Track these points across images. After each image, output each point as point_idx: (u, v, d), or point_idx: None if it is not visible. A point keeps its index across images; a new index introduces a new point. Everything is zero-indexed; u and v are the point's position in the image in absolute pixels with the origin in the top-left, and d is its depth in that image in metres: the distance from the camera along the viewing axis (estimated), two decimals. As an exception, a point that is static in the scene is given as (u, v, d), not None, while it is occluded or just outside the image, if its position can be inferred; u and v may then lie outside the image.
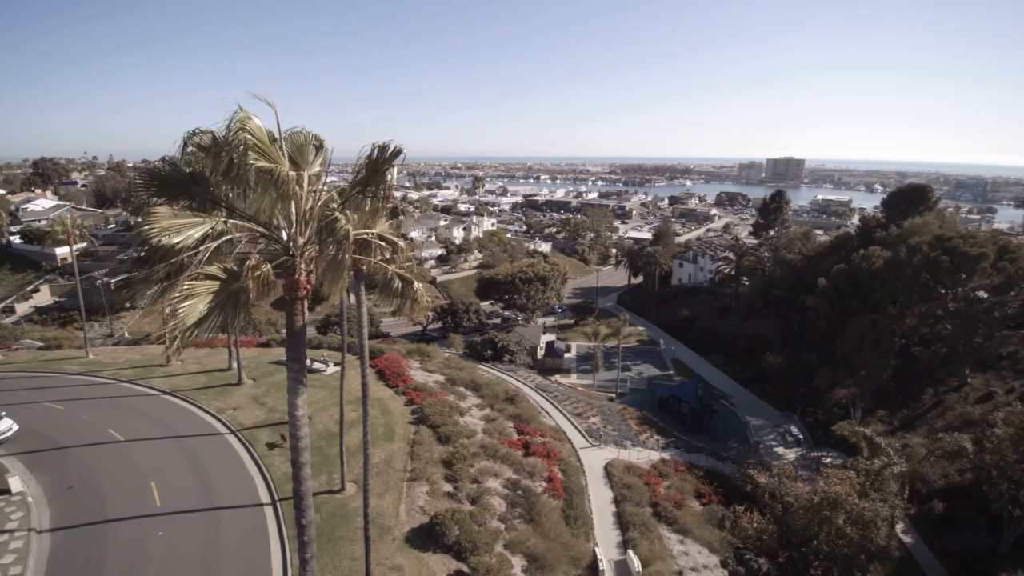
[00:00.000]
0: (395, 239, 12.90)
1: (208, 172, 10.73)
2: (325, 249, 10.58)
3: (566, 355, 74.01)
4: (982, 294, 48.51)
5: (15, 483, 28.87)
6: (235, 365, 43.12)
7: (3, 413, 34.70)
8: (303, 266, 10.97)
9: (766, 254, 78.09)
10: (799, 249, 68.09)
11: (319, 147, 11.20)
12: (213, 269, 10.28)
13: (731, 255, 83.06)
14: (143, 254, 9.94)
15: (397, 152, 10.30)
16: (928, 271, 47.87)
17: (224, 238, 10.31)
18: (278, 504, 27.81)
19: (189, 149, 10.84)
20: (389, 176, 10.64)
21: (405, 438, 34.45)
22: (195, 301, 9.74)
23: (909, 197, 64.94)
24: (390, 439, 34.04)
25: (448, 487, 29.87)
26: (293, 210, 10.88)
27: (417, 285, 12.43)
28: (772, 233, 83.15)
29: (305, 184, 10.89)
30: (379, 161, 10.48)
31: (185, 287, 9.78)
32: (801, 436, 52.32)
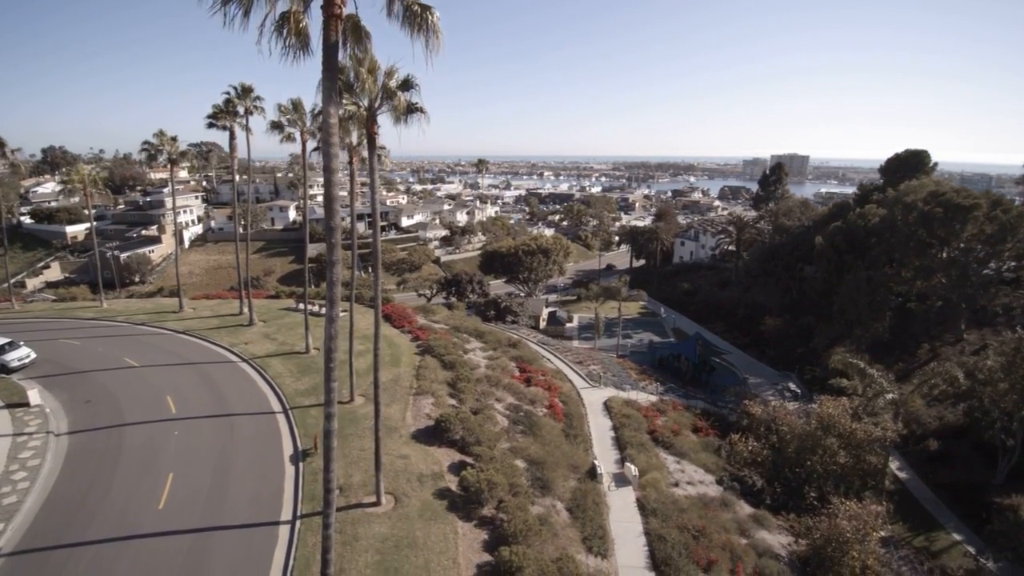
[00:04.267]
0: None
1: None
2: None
3: (568, 324, 74.85)
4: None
5: (33, 396, 30.02)
6: (246, 310, 44.32)
7: (21, 342, 35.94)
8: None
9: (766, 227, 78.89)
10: (798, 217, 68.96)
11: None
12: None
13: (732, 229, 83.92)
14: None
15: None
16: (923, 225, 48.68)
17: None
18: (290, 412, 28.96)
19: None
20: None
21: (411, 364, 35.57)
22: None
23: (906, 163, 65.79)
24: (397, 365, 35.16)
25: (452, 401, 30.95)
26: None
27: (435, 10, 12.87)
28: (772, 206, 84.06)
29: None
30: None
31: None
32: (799, 391, 53.08)
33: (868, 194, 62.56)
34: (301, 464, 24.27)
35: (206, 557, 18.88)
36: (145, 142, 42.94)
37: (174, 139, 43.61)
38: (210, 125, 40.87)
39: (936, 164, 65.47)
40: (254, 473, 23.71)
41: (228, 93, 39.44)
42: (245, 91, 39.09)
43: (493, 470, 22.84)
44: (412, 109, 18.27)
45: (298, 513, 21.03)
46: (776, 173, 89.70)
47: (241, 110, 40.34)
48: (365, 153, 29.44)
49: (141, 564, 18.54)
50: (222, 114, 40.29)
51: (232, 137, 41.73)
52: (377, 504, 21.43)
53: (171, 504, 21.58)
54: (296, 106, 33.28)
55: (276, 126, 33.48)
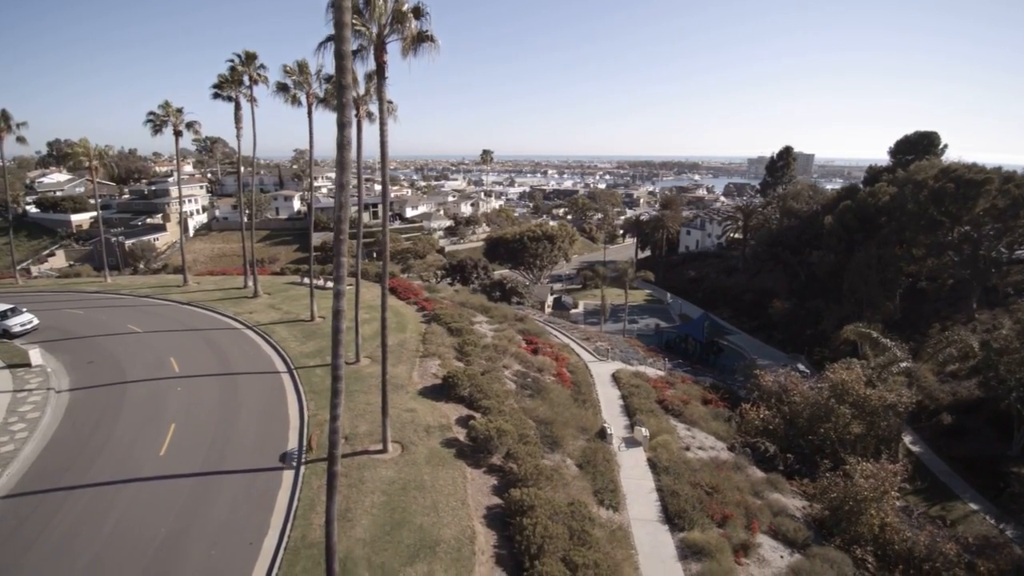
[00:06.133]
0: None
1: None
2: None
3: (573, 310, 74.45)
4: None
5: (35, 356, 29.63)
6: (251, 283, 43.96)
7: (23, 308, 35.61)
8: None
9: (773, 213, 77.96)
10: (807, 200, 68.22)
11: None
12: None
13: (739, 215, 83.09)
14: None
15: None
16: (934, 202, 47.95)
17: None
18: (295, 372, 28.50)
19: None
20: None
21: (417, 331, 35.08)
22: None
23: (916, 145, 64.86)
24: (402, 331, 34.68)
25: (459, 364, 30.40)
26: None
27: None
28: (779, 191, 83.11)
29: None
30: None
31: None
32: (808, 372, 52.43)
33: (878, 175, 61.83)
34: (306, 415, 23.82)
35: (208, 499, 18.44)
36: (150, 113, 42.61)
37: (179, 110, 43.28)
38: (215, 95, 40.51)
39: (946, 146, 64.58)
40: (258, 424, 23.27)
41: (232, 61, 39.11)
42: (249, 58, 38.76)
43: (503, 421, 22.32)
44: (423, 38, 17.81)
45: (303, 460, 20.56)
46: (784, 158, 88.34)
47: (246, 79, 39.98)
48: (372, 108, 29.10)
49: (139, 505, 18.11)
50: (227, 84, 39.95)
51: (237, 108, 41.33)
52: (383, 452, 20.94)
53: (173, 451, 21.15)
54: (302, 67, 32.86)
55: (282, 88, 33.08)
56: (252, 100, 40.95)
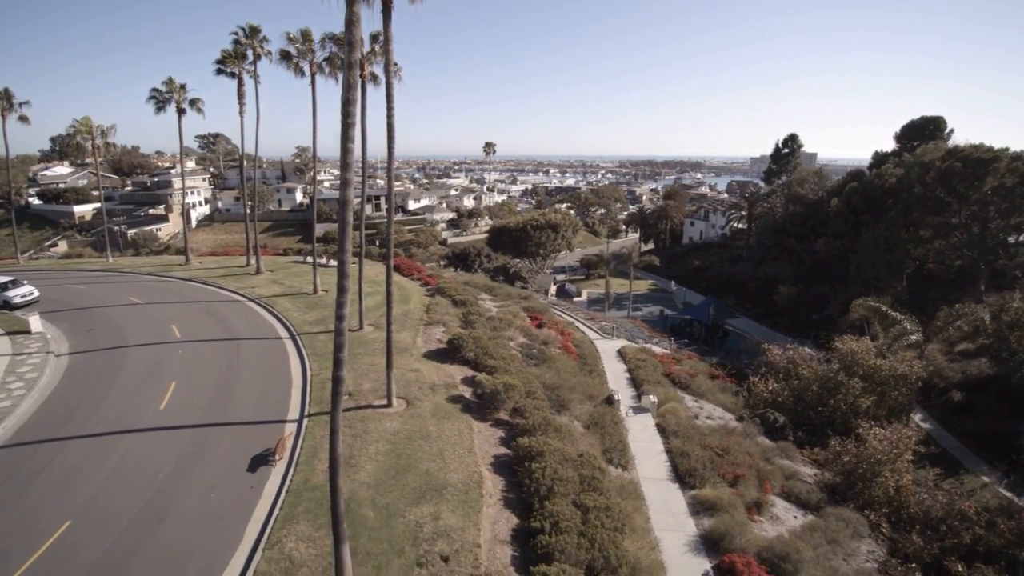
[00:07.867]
0: None
1: None
2: None
3: (576, 298, 74.05)
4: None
5: (35, 323, 29.35)
6: (253, 261, 43.57)
7: (24, 281, 35.30)
8: None
9: (779, 202, 77.35)
10: (812, 187, 67.67)
11: None
12: None
13: (743, 203, 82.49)
14: None
15: None
16: (941, 182, 47.46)
17: None
18: (298, 338, 28.09)
19: None
20: None
21: (421, 304, 34.67)
22: None
23: (922, 130, 64.22)
24: (407, 302, 34.29)
25: (464, 331, 29.97)
26: None
27: None
28: (784, 178, 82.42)
29: None
30: None
31: None
32: (814, 355, 51.94)
33: (883, 159, 61.29)
34: (309, 374, 23.42)
35: (209, 448, 18.08)
36: (153, 90, 42.18)
37: (183, 87, 42.87)
38: (219, 71, 40.12)
39: (952, 131, 63.90)
40: (260, 382, 22.91)
41: (236, 34, 38.77)
42: (253, 31, 38.41)
43: (509, 377, 21.90)
44: (429, -26, 17.44)
45: (305, 413, 20.20)
46: (789, 145, 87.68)
47: (249, 54, 39.63)
48: (376, 69, 28.73)
49: (137, 454, 17.75)
50: (230, 59, 39.58)
51: (240, 84, 40.95)
52: (388, 406, 20.55)
53: (173, 406, 20.79)
54: (305, 35, 32.50)
55: (285, 56, 32.72)
56: (256, 77, 40.66)
